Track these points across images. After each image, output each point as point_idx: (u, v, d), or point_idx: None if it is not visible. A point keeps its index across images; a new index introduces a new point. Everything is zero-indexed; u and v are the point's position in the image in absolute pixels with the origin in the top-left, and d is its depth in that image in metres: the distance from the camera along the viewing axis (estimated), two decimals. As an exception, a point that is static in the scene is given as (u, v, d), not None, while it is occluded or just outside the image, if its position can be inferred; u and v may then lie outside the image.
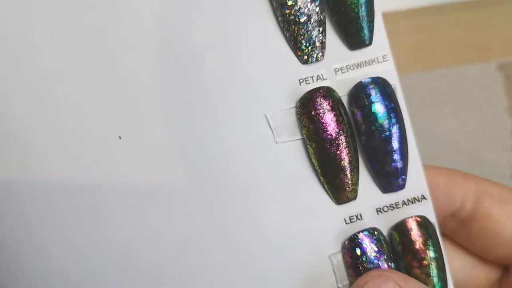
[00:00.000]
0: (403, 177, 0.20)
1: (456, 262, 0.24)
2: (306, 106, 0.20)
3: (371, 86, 0.20)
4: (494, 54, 0.35)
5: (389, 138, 0.20)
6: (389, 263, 0.20)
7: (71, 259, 0.20)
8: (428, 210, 0.21)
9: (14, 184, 0.19)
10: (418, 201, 0.21)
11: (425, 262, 0.20)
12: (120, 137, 0.19)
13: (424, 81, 0.34)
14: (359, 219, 0.20)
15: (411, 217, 0.20)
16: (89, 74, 0.19)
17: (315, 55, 0.20)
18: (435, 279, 0.20)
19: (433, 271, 0.20)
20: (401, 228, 0.20)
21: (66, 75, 0.19)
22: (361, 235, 0.20)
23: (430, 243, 0.20)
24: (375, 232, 0.20)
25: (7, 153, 0.19)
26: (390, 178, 0.20)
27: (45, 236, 0.20)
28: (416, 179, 0.21)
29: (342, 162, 0.20)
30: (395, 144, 0.20)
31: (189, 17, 0.20)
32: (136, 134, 0.20)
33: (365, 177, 0.20)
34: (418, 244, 0.20)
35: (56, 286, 0.20)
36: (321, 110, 0.20)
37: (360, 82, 0.20)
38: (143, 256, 0.20)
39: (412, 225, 0.20)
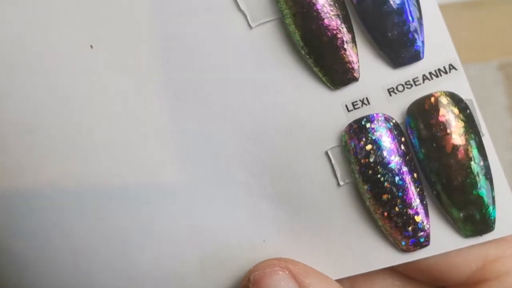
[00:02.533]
0: (417, 43, 0.15)
1: (381, 283, 0.18)
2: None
3: None
4: (494, 54, 0.35)
5: (388, -6, 0.15)
6: (400, 155, 0.16)
7: (76, 263, 0.19)
8: (460, 84, 0.16)
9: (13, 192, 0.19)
10: (445, 72, 0.16)
11: (448, 150, 0.15)
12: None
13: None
14: (366, 104, 0.16)
15: (433, 94, 0.15)
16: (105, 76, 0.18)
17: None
18: (473, 175, 0.15)
19: (466, 162, 0.15)
20: (418, 108, 0.16)
21: (74, 82, 0.18)
22: (360, 123, 0.16)
23: (461, 126, 0.15)
24: (380, 117, 0.16)
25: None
26: (397, 47, 0.16)
27: (49, 238, 0.19)
28: (439, 42, 0.16)
29: (330, 35, 0.16)
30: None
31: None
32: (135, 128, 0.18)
33: (367, 51, 0.16)
34: (442, 127, 0.15)
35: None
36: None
37: None
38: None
39: (434, 104, 0.15)
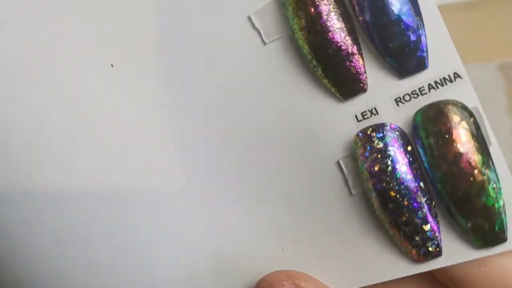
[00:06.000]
0: (419, 53, 0.16)
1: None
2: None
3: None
4: (494, 54, 0.35)
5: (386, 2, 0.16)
6: (406, 164, 0.16)
7: (73, 265, 0.19)
8: (465, 92, 0.16)
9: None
10: (450, 81, 0.16)
11: (449, 158, 0.15)
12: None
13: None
14: (374, 114, 0.17)
15: (437, 101, 0.16)
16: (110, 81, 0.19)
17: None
18: (477, 183, 0.15)
19: (477, 169, 0.15)
20: (423, 116, 0.16)
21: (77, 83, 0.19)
22: (367, 133, 0.16)
23: (465, 134, 0.15)
24: (387, 127, 0.16)
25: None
26: (399, 56, 0.16)
27: (46, 239, 0.19)
28: (443, 52, 0.16)
29: (334, 47, 0.16)
30: (397, 5, 0.16)
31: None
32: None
33: (374, 63, 0.17)
34: (450, 134, 0.15)
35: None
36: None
37: None
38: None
39: (438, 112, 0.15)
